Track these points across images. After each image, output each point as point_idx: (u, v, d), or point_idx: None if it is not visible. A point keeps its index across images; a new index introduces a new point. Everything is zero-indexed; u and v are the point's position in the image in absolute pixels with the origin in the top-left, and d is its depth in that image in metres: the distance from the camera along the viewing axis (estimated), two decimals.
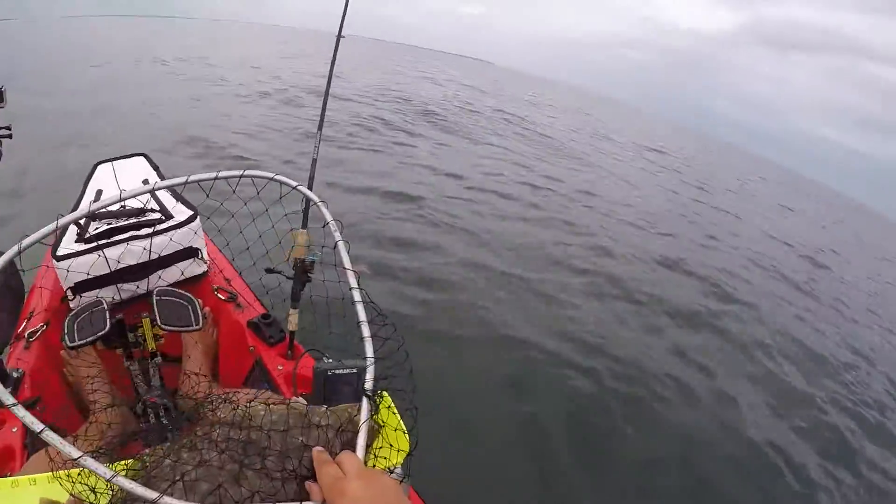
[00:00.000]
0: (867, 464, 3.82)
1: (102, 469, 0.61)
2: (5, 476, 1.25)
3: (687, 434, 3.43)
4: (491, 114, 18.99)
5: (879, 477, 3.73)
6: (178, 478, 0.64)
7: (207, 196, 1.09)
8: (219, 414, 0.78)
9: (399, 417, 0.83)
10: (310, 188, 1.84)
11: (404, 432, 0.80)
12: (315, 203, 1.09)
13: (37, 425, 0.63)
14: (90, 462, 0.61)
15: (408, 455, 0.79)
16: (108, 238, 1.75)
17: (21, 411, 0.65)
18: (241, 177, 1.03)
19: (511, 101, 26.52)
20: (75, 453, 0.61)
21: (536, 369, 3.69)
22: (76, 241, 1.75)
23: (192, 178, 1.01)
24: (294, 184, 1.09)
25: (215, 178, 1.01)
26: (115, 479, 0.60)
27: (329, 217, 1.03)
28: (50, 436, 0.62)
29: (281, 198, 1.12)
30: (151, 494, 0.59)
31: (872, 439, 4.22)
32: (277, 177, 1.05)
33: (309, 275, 1.71)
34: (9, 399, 0.65)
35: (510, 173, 9.68)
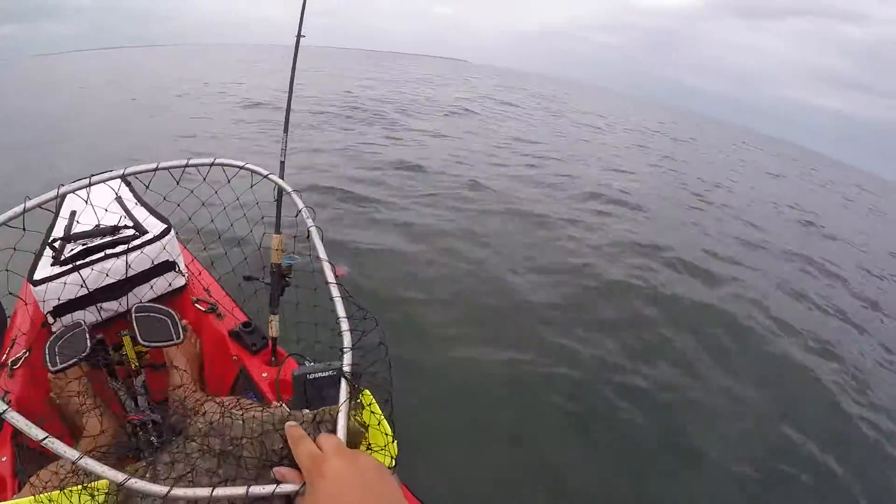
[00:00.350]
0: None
1: (70, 451, 0.60)
2: None
3: (682, 420, 3.42)
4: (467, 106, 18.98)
5: None
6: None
7: (178, 183, 1.07)
8: (198, 424, 0.78)
9: (381, 414, 0.82)
10: (279, 195, 1.83)
11: (387, 430, 0.80)
12: (287, 192, 1.07)
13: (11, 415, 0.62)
14: (56, 444, 0.61)
15: (392, 440, 0.79)
16: (84, 258, 1.74)
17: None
18: (211, 165, 1.03)
19: (486, 97, 26.39)
20: (40, 434, 0.61)
21: (530, 364, 3.67)
22: (52, 265, 1.74)
23: (163, 164, 0.99)
24: (265, 172, 1.08)
25: (186, 166, 1.00)
26: (81, 460, 0.60)
27: (301, 204, 1.02)
28: (13, 416, 0.62)
29: (252, 186, 1.12)
30: (118, 477, 0.59)
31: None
32: (248, 165, 1.04)
33: (287, 279, 1.71)
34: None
35: (485, 166, 9.65)
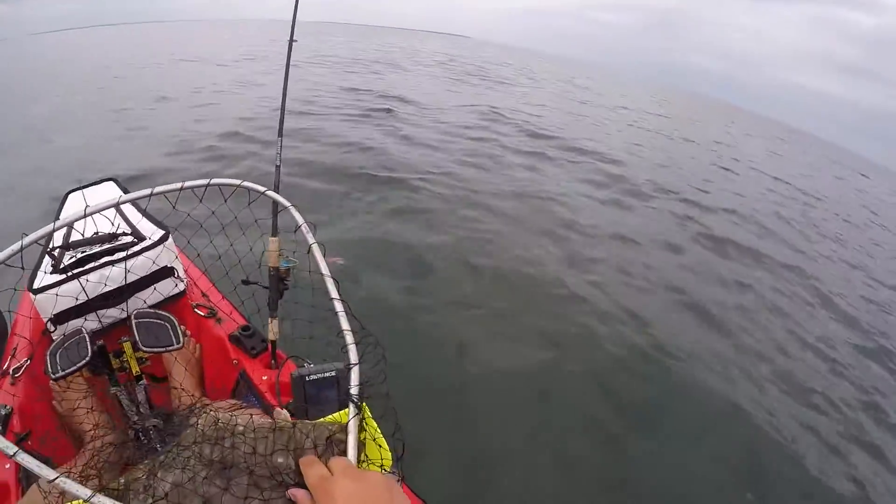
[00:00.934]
0: None
1: (82, 490, 0.60)
2: None
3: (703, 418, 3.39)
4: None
5: None
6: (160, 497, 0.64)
7: (174, 207, 1.07)
8: (199, 426, 0.77)
9: (376, 426, 0.81)
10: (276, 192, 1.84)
11: (386, 448, 0.79)
12: (285, 207, 1.08)
13: (10, 448, 0.62)
14: (68, 483, 0.61)
15: (399, 459, 0.78)
16: (83, 266, 1.74)
17: None
18: (207, 185, 1.03)
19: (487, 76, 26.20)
20: (51, 474, 0.61)
21: (537, 361, 3.63)
22: (52, 273, 1.74)
23: (157, 189, 0.99)
24: (262, 189, 1.08)
25: (181, 189, 1.01)
26: (93, 498, 0.60)
27: (300, 219, 1.02)
28: (24, 458, 0.62)
29: (249, 204, 1.11)
30: None
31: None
32: (245, 183, 1.05)
33: (286, 282, 1.71)
34: None
35: (484, 150, 9.45)
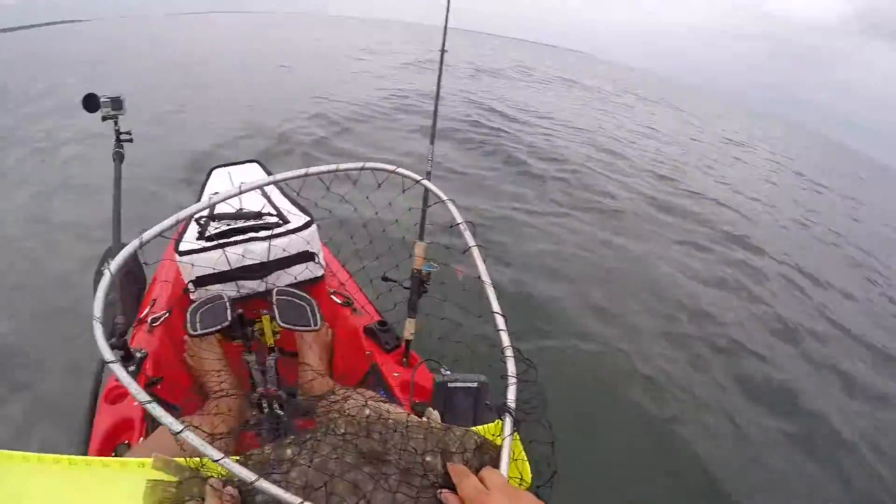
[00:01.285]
0: None
1: (245, 472, 0.61)
2: (123, 444, 1.34)
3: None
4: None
5: None
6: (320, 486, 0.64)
7: (328, 189, 1.07)
8: (348, 410, 0.79)
9: (522, 447, 0.79)
10: (425, 202, 1.83)
11: (524, 464, 0.77)
12: (443, 200, 1.03)
13: (175, 425, 0.64)
14: (232, 465, 0.61)
15: (548, 481, 0.74)
16: (228, 238, 1.83)
17: (158, 410, 0.67)
18: (361, 169, 1.01)
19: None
20: (216, 455, 0.62)
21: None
22: (197, 239, 1.84)
23: (312, 170, 1.00)
24: (417, 177, 1.05)
25: (336, 171, 1.00)
26: (258, 483, 0.60)
27: (458, 217, 0.98)
28: (190, 436, 0.63)
29: (404, 191, 1.08)
30: (294, 500, 0.59)
31: None
32: (399, 170, 1.02)
33: (426, 285, 1.70)
34: (143, 397, 0.67)
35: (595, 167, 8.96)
